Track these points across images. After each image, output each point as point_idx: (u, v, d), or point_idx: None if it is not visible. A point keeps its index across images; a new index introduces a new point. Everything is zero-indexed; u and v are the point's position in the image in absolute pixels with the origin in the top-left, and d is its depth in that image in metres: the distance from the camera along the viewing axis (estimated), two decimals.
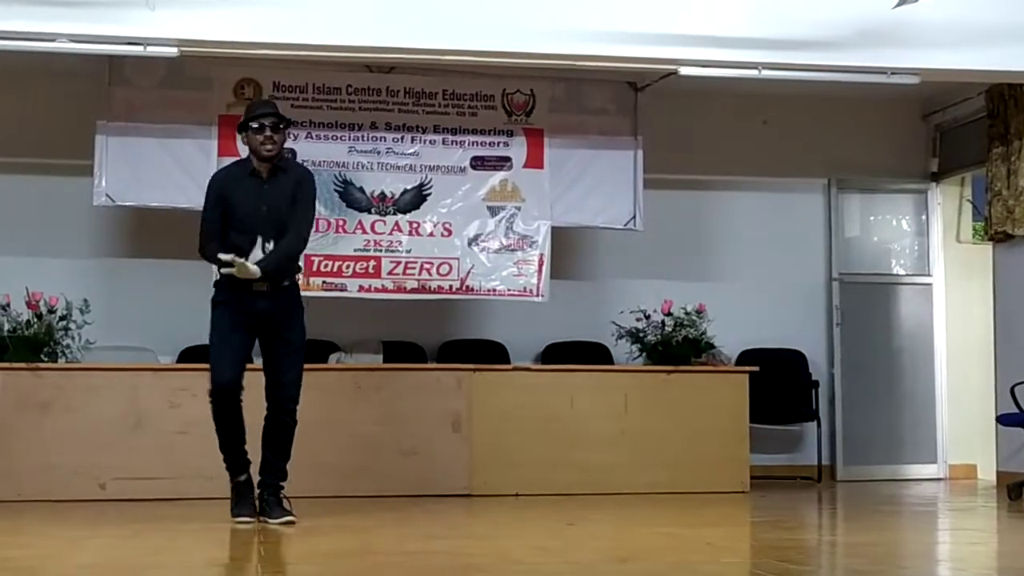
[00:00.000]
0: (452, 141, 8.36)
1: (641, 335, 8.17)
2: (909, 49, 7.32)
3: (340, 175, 8.24)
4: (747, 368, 8.31)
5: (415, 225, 8.29)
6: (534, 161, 8.45)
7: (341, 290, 8.15)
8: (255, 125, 6.03)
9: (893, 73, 7.43)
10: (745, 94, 8.85)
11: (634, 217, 8.48)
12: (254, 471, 6.15)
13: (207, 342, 6.11)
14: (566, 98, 8.51)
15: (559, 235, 8.52)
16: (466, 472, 7.67)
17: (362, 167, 8.29)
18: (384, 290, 8.21)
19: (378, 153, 8.31)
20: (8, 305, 7.44)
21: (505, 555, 5.23)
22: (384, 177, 8.30)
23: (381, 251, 8.23)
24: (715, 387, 8.08)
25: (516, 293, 8.37)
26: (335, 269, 8.12)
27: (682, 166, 9.12)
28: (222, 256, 5.88)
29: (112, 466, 7.25)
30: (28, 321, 7.42)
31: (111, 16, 6.81)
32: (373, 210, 8.26)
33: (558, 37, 7.11)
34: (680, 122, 9.03)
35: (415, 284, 8.23)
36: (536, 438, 7.77)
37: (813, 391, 9.23)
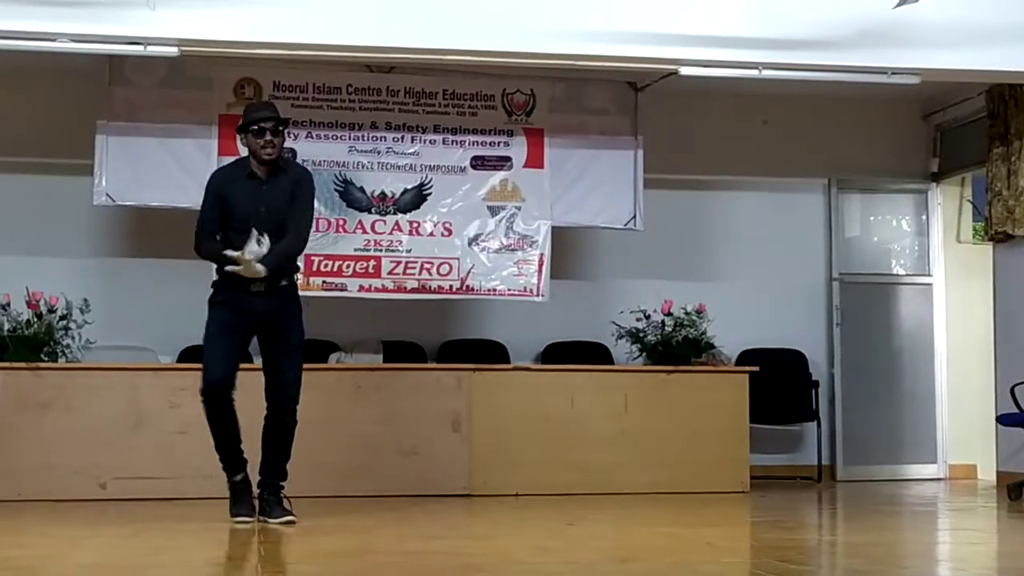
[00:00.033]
0: (452, 141, 8.36)
1: (641, 335, 8.17)
2: (909, 49, 7.32)
3: (340, 175, 8.24)
4: (747, 368, 8.31)
5: (415, 225, 8.29)
6: (534, 161, 8.45)
7: (341, 290, 8.15)
8: (255, 128, 6.03)
9: (893, 73, 7.43)
10: (745, 94, 8.85)
11: (634, 217, 8.49)
12: (254, 471, 6.15)
13: None
14: (566, 98, 8.51)
15: (559, 235, 8.52)
16: (466, 472, 7.67)
17: (362, 167, 8.29)
18: (384, 290, 8.21)
19: (378, 153, 8.31)
20: (8, 304, 7.44)
21: (505, 555, 5.23)
22: (384, 177, 8.30)
23: (381, 251, 8.23)
24: (715, 387, 8.08)
25: (516, 293, 8.37)
26: (335, 269, 8.12)
27: (682, 166, 9.12)
28: (228, 252, 5.87)
29: (112, 466, 7.26)
30: (28, 321, 7.42)
31: (111, 16, 6.81)
32: (373, 210, 8.26)
33: (558, 37, 7.11)
34: (680, 122, 9.03)
35: (415, 284, 8.23)
36: (536, 438, 7.77)
37: (813, 391, 9.23)
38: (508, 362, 8.72)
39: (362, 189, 8.27)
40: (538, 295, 8.38)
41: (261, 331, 6.09)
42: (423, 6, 7.03)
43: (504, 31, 7.10)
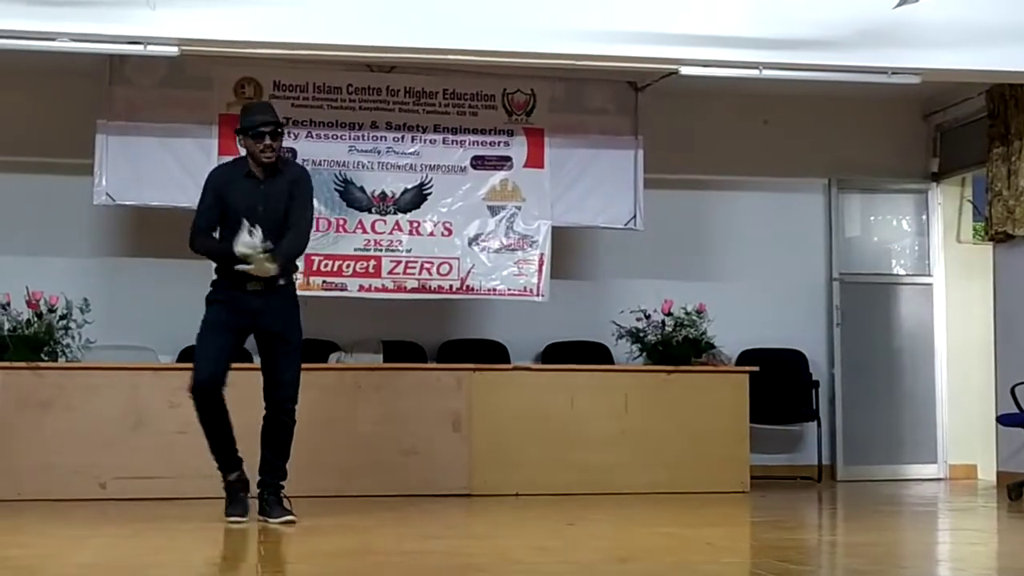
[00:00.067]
0: (452, 140, 8.36)
1: (641, 335, 8.17)
2: (910, 49, 7.32)
3: (340, 174, 8.24)
4: (747, 368, 8.31)
5: (415, 225, 8.29)
6: (534, 161, 8.45)
7: (341, 289, 8.15)
8: (254, 133, 6.03)
9: (894, 73, 7.43)
10: (746, 94, 8.85)
11: (634, 217, 8.49)
12: (253, 471, 6.14)
13: None
14: (567, 98, 8.51)
15: (559, 235, 8.52)
16: (466, 472, 7.67)
17: (362, 166, 8.29)
18: (384, 290, 8.21)
19: (378, 152, 8.31)
20: (8, 304, 7.44)
21: (505, 555, 5.23)
22: (384, 176, 8.30)
23: (381, 251, 8.23)
24: (715, 387, 8.08)
25: (516, 293, 8.37)
26: (335, 268, 8.12)
27: (683, 166, 9.12)
28: (242, 247, 5.85)
29: (112, 465, 7.26)
30: (28, 320, 7.42)
31: (112, 15, 6.81)
32: (373, 209, 8.26)
33: (559, 37, 7.11)
34: (681, 122, 9.03)
35: (415, 284, 8.23)
36: (536, 438, 7.77)
37: (813, 391, 9.23)
38: (508, 362, 8.72)
39: (362, 189, 8.26)
40: (538, 295, 8.38)
41: (258, 330, 6.09)
42: (423, 6, 7.03)
43: (504, 31, 7.10)
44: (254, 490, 6.16)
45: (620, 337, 8.25)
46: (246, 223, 5.90)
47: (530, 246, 8.39)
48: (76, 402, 7.32)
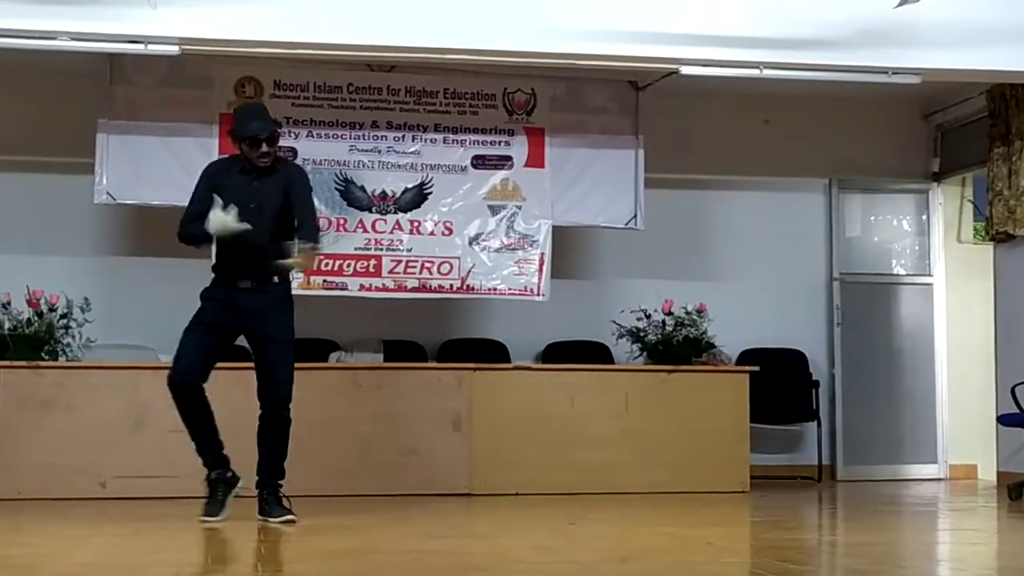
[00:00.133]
0: (453, 140, 8.37)
1: (642, 334, 8.17)
2: (910, 49, 7.32)
3: (341, 174, 8.24)
4: (747, 368, 8.31)
5: (416, 224, 8.29)
6: (535, 160, 8.45)
7: (342, 289, 8.15)
8: (250, 139, 6.03)
9: (894, 73, 7.43)
10: (746, 94, 8.85)
11: (635, 216, 8.49)
12: (250, 471, 6.13)
13: None
14: (567, 97, 8.52)
15: (560, 234, 8.52)
16: (466, 471, 7.67)
17: (363, 166, 8.29)
18: (385, 289, 8.21)
19: (379, 152, 8.31)
20: (9, 303, 7.44)
21: (505, 554, 5.23)
22: (385, 176, 8.30)
23: (382, 250, 8.23)
24: (715, 387, 8.08)
25: (517, 292, 8.37)
26: (336, 268, 8.12)
27: (683, 165, 9.12)
28: (213, 226, 5.84)
29: (112, 464, 7.26)
30: (29, 319, 7.42)
31: (112, 14, 6.81)
32: (374, 209, 8.26)
33: (559, 36, 7.11)
34: (681, 121, 9.03)
35: (416, 283, 8.23)
36: (536, 438, 7.77)
37: (813, 391, 9.23)
38: (508, 361, 8.72)
39: (363, 188, 8.27)
40: (538, 294, 8.38)
41: (246, 331, 6.08)
42: (424, 5, 7.03)
43: (505, 30, 7.10)
44: (253, 491, 6.14)
45: (620, 337, 8.25)
46: (218, 199, 5.90)
47: (530, 246, 8.39)
48: (76, 401, 7.32)
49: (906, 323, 9.53)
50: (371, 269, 8.19)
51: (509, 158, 8.42)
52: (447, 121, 8.37)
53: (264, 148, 6.02)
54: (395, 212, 8.27)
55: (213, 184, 6.10)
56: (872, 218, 9.78)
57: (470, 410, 7.72)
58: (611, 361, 8.77)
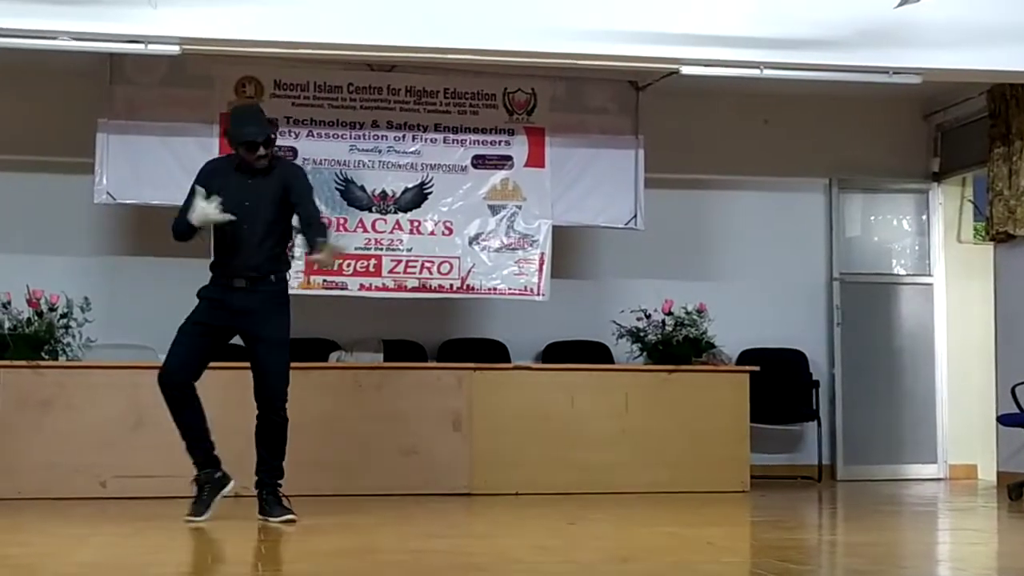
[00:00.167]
0: (453, 140, 8.37)
1: (642, 334, 8.17)
2: (911, 49, 7.32)
3: (341, 173, 8.24)
4: (748, 368, 8.31)
5: (416, 224, 8.29)
6: (535, 160, 8.45)
7: (342, 288, 8.15)
8: (247, 143, 6.03)
9: (895, 73, 7.43)
10: (746, 94, 8.85)
11: (635, 216, 8.49)
12: (249, 471, 6.12)
13: None
14: (567, 97, 8.52)
15: (560, 234, 8.52)
16: (466, 471, 7.67)
17: (363, 165, 8.29)
18: (385, 289, 8.21)
19: (379, 152, 8.31)
20: (9, 303, 7.45)
21: (505, 554, 5.23)
22: (385, 176, 8.30)
23: (382, 250, 8.23)
24: (716, 387, 8.08)
25: (517, 292, 8.37)
26: (336, 267, 8.11)
27: (683, 165, 9.12)
28: (196, 216, 5.84)
29: (113, 464, 7.26)
30: (29, 319, 7.43)
31: (112, 14, 6.81)
32: (374, 208, 8.26)
33: (559, 36, 7.11)
34: (681, 121, 9.03)
35: (416, 283, 8.23)
36: (536, 437, 7.77)
37: (813, 391, 9.23)
38: (508, 361, 8.72)
39: (363, 188, 8.26)
40: (539, 294, 8.38)
41: (241, 329, 6.08)
42: (424, 5, 7.03)
43: (505, 30, 7.10)
44: (253, 491, 6.14)
45: (620, 336, 8.26)
46: (200, 190, 5.91)
47: (531, 245, 8.39)
48: (76, 401, 7.32)
49: (906, 323, 9.53)
50: (371, 269, 8.19)
51: (509, 158, 8.42)
52: (447, 121, 8.37)
53: (260, 151, 6.02)
54: (395, 212, 8.27)
55: (209, 182, 6.10)
56: (872, 218, 9.78)
57: (470, 410, 7.72)
58: (611, 361, 8.77)
